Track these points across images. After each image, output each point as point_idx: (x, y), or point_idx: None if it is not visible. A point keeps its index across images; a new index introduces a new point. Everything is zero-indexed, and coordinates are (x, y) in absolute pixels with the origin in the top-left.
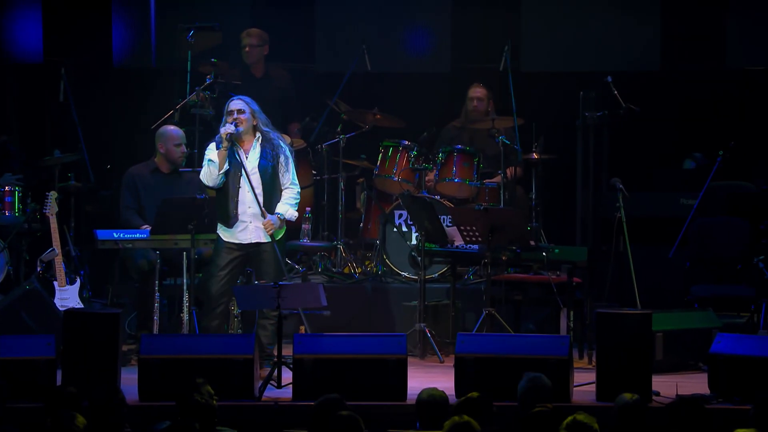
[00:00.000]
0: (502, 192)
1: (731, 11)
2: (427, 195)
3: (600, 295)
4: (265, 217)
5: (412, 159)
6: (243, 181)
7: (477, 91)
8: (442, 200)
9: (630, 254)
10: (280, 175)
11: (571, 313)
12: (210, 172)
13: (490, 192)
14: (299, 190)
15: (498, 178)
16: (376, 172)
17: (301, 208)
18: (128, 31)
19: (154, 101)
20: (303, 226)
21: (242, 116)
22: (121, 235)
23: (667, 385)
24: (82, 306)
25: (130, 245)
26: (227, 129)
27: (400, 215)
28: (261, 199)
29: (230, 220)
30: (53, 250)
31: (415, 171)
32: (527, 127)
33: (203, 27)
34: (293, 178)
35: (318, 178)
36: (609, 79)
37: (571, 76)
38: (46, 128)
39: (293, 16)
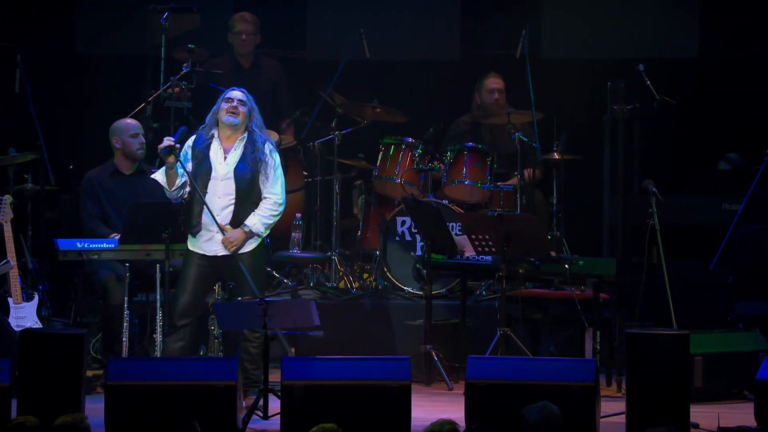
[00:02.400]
0: (518, 196)
1: None
2: (433, 199)
3: (630, 313)
4: (227, 230)
5: (417, 158)
6: (213, 185)
7: (498, 82)
8: (450, 205)
9: (665, 267)
10: (260, 182)
11: (598, 333)
12: (165, 191)
13: (505, 196)
14: (280, 202)
15: (514, 181)
16: (375, 173)
17: (291, 214)
18: (93, 12)
19: (123, 93)
20: (293, 234)
21: (242, 108)
22: (86, 245)
23: (707, 416)
24: (41, 326)
25: (95, 256)
26: (165, 142)
27: (403, 222)
28: (232, 208)
29: (194, 228)
30: (7, 262)
31: (419, 172)
32: (547, 123)
33: (179, 8)
34: (273, 187)
35: (310, 180)
36: (641, 67)
37: (597, 64)
38: None
39: None
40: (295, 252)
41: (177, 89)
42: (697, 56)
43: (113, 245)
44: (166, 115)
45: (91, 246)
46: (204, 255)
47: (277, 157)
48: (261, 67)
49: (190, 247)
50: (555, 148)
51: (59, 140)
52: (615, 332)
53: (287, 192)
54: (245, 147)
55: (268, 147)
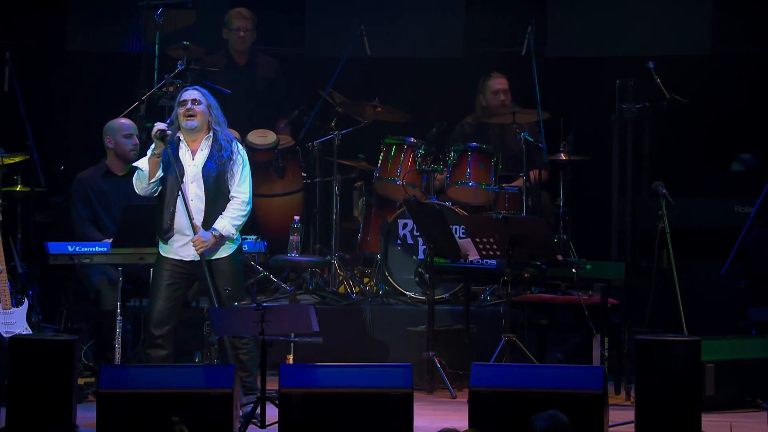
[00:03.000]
0: (524, 198)
1: None
2: (436, 201)
3: (640, 319)
4: (197, 232)
5: (419, 159)
6: (185, 187)
7: (502, 82)
8: (453, 207)
9: (675, 271)
10: (228, 181)
11: (606, 340)
12: (140, 181)
13: (510, 198)
14: (247, 201)
15: (520, 182)
16: (376, 174)
17: (289, 216)
18: (85, 8)
19: (115, 91)
20: (291, 237)
21: (197, 107)
22: (77, 248)
23: (719, 426)
24: (31, 332)
25: (87, 260)
26: (158, 126)
27: (405, 225)
28: (203, 209)
29: (165, 233)
30: None
31: (422, 173)
32: (554, 122)
33: (173, 4)
34: (240, 186)
35: (309, 181)
36: (650, 64)
37: (605, 62)
38: None
39: None
40: (294, 256)
41: (171, 88)
42: (709, 53)
43: (105, 249)
44: (160, 114)
45: (82, 249)
46: (181, 260)
47: (244, 155)
48: (257, 65)
49: (163, 253)
50: (562, 149)
51: (50, 140)
52: (624, 338)
53: (285, 194)
54: (212, 146)
55: (234, 145)
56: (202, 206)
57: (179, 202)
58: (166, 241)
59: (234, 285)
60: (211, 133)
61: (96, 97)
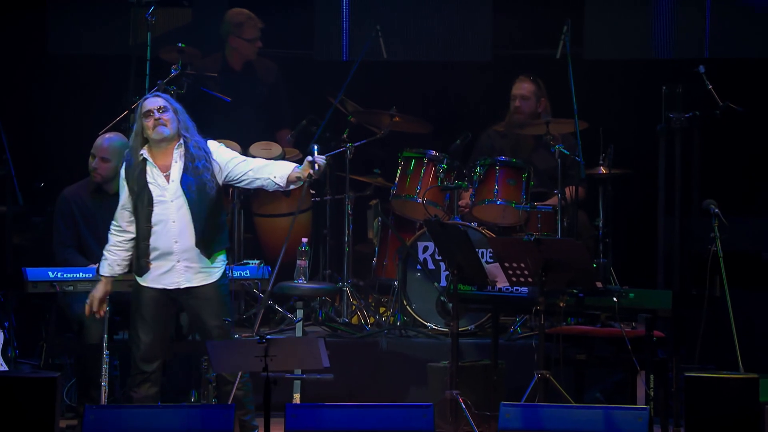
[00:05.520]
0: (559, 218)
1: None
2: (460, 222)
3: (689, 354)
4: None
5: (441, 174)
6: (163, 210)
7: (522, 87)
8: (480, 229)
9: (729, 300)
10: (210, 191)
11: (651, 377)
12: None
13: (543, 218)
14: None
15: (554, 200)
16: (393, 191)
17: (296, 239)
18: (68, 5)
19: (102, 99)
20: (298, 262)
21: (166, 115)
22: (59, 274)
23: None
24: (6, 369)
25: (70, 288)
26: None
27: (426, 248)
28: (192, 228)
29: (145, 264)
30: None
31: (444, 190)
32: (592, 133)
33: (167, 1)
34: (248, 160)
35: (318, 199)
36: (701, 69)
37: (650, 66)
38: None
39: None
40: (301, 282)
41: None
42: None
43: (91, 275)
44: None
45: (65, 276)
46: (163, 289)
47: (215, 145)
48: (255, 69)
49: (142, 282)
50: (601, 163)
51: (28, 154)
52: (671, 376)
53: (292, 214)
54: (184, 157)
55: (206, 151)
56: (191, 225)
57: (161, 225)
58: (147, 269)
59: (223, 315)
60: (181, 141)
61: (81, 105)
